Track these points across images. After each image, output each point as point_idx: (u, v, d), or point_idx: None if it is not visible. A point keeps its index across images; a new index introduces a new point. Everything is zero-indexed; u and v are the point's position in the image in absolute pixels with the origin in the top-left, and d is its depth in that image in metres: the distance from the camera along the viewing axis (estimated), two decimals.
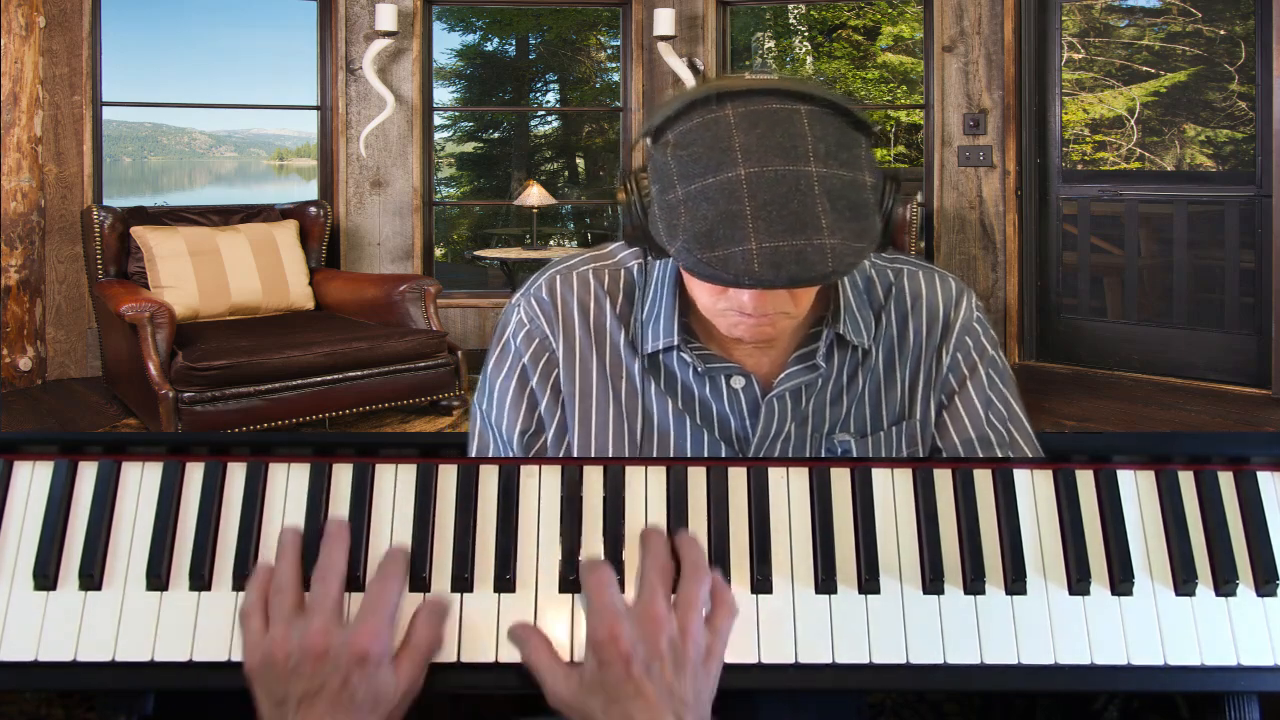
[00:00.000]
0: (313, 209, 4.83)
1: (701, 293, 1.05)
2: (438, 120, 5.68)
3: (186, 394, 3.56)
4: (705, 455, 1.15)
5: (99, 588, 0.95)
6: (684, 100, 0.98)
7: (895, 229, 1.01)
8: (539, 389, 1.18)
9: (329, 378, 3.84)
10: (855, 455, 1.14)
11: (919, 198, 5.08)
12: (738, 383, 1.14)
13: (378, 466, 1.00)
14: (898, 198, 1.00)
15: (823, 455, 1.15)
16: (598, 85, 6.57)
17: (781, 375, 1.13)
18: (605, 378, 1.17)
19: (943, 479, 1.01)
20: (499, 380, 1.20)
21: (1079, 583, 0.96)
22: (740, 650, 0.93)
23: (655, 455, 1.15)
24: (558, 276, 1.20)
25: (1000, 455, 1.15)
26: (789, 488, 1.00)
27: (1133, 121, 4.91)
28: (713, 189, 0.93)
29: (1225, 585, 0.97)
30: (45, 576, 0.95)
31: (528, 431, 1.17)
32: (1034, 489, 1.01)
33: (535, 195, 5.35)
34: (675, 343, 1.12)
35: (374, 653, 0.87)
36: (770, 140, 0.93)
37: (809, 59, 6.25)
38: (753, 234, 0.90)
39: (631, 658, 0.85)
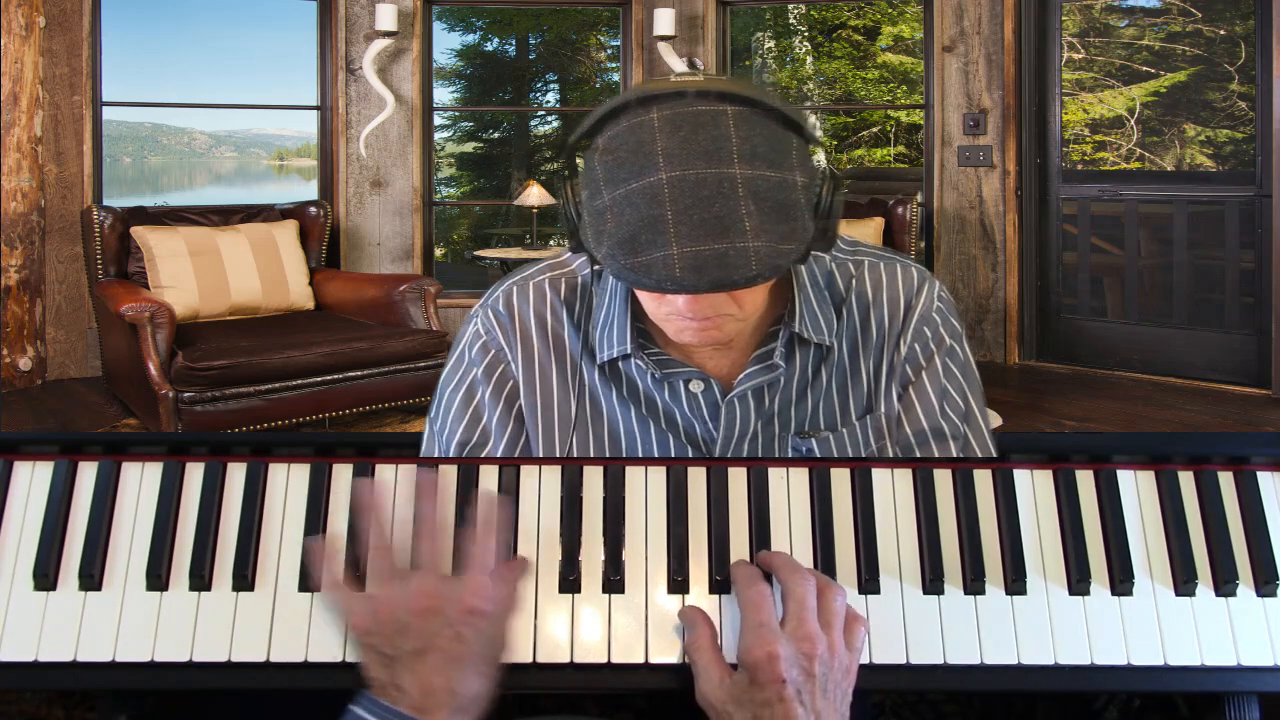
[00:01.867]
0: (313, 209, 4.83)
1: (645, 298, 1.04)
2: (438, 120, 5.68)
3: (186, 394, 3.56)
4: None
5: (99, 588, 0.95)
6: (612, 105, 0.97)
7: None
8: (490, 402, 1.16)
9: (329, 378, 3.84)
10: (818, 455, 1.12)
11: (919, 198, 5.07)
12: (696, 386, 1.12)
13: (378, 466, 1.00)
14: (837, 195, 0.98)
15: (789, 454, 1.14)
16: (598, 85, 6.57)
17: (740, 376, 1.12)
18: (566, 388, 1.15)
19: (943, 479, 1.00)
20: (447, 391, 1.19)
21: (1079, 583, 0.96)
22: None
23: None
24: (514, 288, 1.20)
25: (953, 451, 1.12)
26: (789, 488, 1.00)
27: (1133, 121, 4.91)
28: (635, 194, 0.92)
29: (1225, 585, 0.97)
30: (45, 576, 0.95)
31: (467, 444, 1.15)
32: (1034, 489, 1.01)
33: (535, 195, 5.35)
34: (629, 350, 1.11)
35: (484, 609, 0.88)
36: (693, 143, 0.91)
37: (809, 59, 6.25)
38: (674, 239, 0.89)
39: (786, 681, 0.86)
